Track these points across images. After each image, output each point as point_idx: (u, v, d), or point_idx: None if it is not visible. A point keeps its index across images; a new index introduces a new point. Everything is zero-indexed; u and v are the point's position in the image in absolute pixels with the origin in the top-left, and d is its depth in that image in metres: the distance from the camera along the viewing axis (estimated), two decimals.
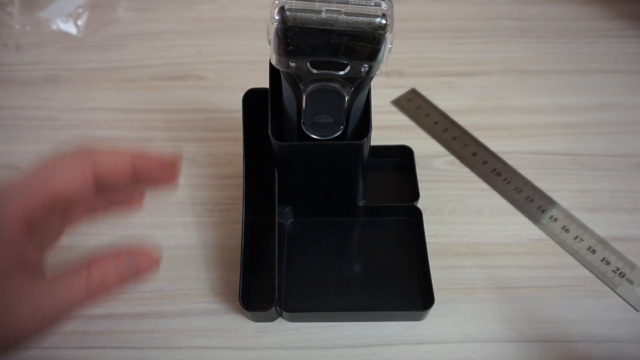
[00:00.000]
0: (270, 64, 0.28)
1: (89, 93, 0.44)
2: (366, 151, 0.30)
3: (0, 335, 0.21)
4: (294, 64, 0.23)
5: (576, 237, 0.36)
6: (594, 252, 0.35)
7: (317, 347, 0.32)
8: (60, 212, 0.24)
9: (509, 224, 0.36)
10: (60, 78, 0.45)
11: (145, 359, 0.31)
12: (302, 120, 0.27)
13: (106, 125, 0.42)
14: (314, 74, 0.24)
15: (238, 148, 0.36)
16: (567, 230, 0.36)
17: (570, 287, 0.33)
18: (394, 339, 0.32)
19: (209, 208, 0.38)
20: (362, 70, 0.24)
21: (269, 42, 0.23)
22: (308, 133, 0.27)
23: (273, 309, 0.31)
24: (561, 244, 0.36)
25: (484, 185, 0.39)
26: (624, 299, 0.33)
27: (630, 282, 0.34)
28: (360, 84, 0.25)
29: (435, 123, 0.42)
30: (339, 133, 0.27)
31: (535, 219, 0.37)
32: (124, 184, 0.23)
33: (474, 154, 0.40)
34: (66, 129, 0.42)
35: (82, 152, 0.23)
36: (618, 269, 0.34)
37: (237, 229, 0.36)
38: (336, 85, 0.24)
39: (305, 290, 0.33)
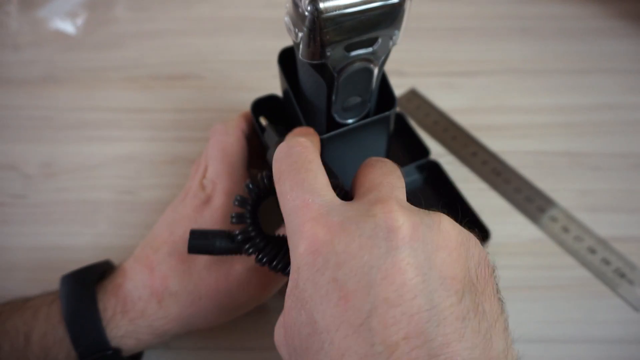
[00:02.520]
0: (280, 61, 0.29)
1: (87, 92, 0.44)
2: (392, 119, 0.30)
3: (249, 298, 0.26)
4: (329, 53, 0.23)
5: (576, 237, 0.36)
6: (593, 252, 0.35)
7: None
8: None
9: (509, 224, 0.36)
10: (59, 77, 0.45)
11: (145, 359, 0.31)
12: (333, 108, 0.27)
13: (105, 124, 0.42)
14: (349, 57, 0.24)
15: None
16: (566, 231, 0.36)
17: (570, 287, 0.33)
18: None
19: None
20: (392, 39, 0.24)
21: (297, 40, 0.23)
22: (339, 119, 0.28)
23: None
24: (561, 244, 0.36)
25: (483, 185, 0.38)
26: (624, 299, 0.33)
27: (630, 282, 0.34)
28: (386, 55, 0.25)
29: (435, 123, 0.42)
30: (366, 112, 0.28)
31: (534, 219, 0.37)
32: None
33: (474, 154, 0.40)
34: (64, 129, 0.42)
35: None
36: (618, 269, 0.34)
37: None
38: (367, 64, 0.25)
39: None
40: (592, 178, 0.39)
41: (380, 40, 0.24)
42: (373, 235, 0.17)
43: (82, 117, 0.43)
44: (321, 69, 0.24)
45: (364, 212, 0.18)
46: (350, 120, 0.28)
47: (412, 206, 0.19)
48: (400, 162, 0.37)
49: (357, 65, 0.24)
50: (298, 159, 0.20)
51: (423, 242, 0.17)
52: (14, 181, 0.39)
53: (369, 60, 0.24)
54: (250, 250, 0.24)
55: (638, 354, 0.31)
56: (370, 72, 0.25)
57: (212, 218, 0.28)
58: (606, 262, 0.34)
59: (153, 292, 0.26)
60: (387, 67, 0.45)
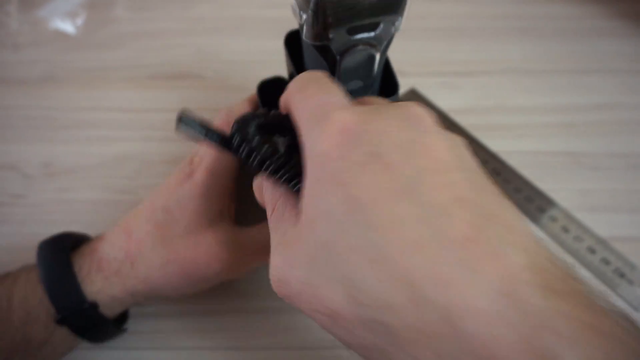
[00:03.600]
0: (286, 43, 0.30)
1: (87, 92, 0.44)
2: None
3: (214, 271, 0.27)
4: (332, 35, 0.23)
5: (576, 237, 0.36)
6: (593, 252, 0.35)
7: (317, 347, 0.31)
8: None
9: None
10: (58, 77, 0.45)
11: (145, 359, 0.31)
12: None
13: (105, 124, 0.42)
14: (352, 40, 0.24)
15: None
16: (566, 231, 0.36)
17: None
18: None
19: None
20: (395, 25, 0.24)
21: (301, 22, 0.23)
22: None
23: None
24: (561, 244, 0.36)
25: None
26: (623, 299, 0.33)
27: (630, 282, 0.34)
28: (389, 41, 0.26)
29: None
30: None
31: (534, 219, 0.37)
32: None
33: (474, 154, 0.40)
34: (64, 129, 0.42)
35: (231, 114, 0.31)
36: (618, 269, 0.34)
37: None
38: (369, 48, 0.25)
39: None
40: (592, 178, 0.39)
41: (382, 25, 0.24)
42: (405, 118, 0.17)
43: (82, 117, 0.43)
44: (324, 51, 0.25)
45: (387, 105, 0.18)
46: None
47: None
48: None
49: (360, 49, 0.25)
50: (319, 77, 0.20)
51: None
52: (14, 181, 0.39)
53: (372, 45, 0.25)
54: (243, 150, 0.20)
55: None
56: (372, 56, 0.26)
57: (190, 192, 0.28)
58: (606, 262, 0.34)
59: (127, 255, 0.27)
60: None
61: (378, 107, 0.18)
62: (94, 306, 0.27)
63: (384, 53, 0.27)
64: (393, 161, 0.16)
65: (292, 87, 0.21)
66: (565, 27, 0.48)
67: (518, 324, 0.13)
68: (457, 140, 0.18)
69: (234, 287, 0.34)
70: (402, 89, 0.44)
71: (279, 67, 0.32)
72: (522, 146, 0.41)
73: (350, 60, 0.25)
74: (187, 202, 0.28)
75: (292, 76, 0.30)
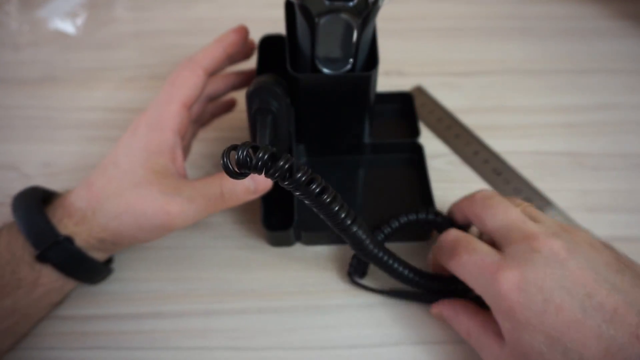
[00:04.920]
0: (286, 5, 0.31)
1: (87, 92, 0.44)
2: (373, 84, 0.32)
3: (162, 222, 0.29)
4: None
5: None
6: None
7: (317, 347, 0.32)
8: (189, 122, 0.32)
9: None
10: (58, 77, 0.45)
11: (145, 359, 0.31)
12: (315, 54, 0.29)
13: (104, 124, 0.42)
14: (327, 5, 0.26)
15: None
16: None
17: None
18: (393, 339, 0.32)
19: None
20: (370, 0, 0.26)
21: None
22: (320, 67, 0.29)
23: (292, 230, 0.33)
24: None
25: (483, 185, 0.38)
26: None
27: None
28: (367, 15, 0.27)
29: (439, 120, 0.42)
30: (349, 67, 0.29)
31: None
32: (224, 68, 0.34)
33: (475, 153, 0.40)
34: (64, 128, 0.42)
35: (189, 63, 0.32)
36: None
37: (237, 229, 0.36)
38: (347, 16, 0.26)
39: (320, 222, 0.34)
40: (592, 178, 0.39)
41: None
42: (545, 263, 0.24)
43: (82, 117, 0.43)
44: (305, 11, 0.27)
45: (526, 252, 0.25)
46: (329, 71, 0.30)
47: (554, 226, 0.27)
48: (392, 136, 0.39)
49: (335, 15, 0.26)
50: (461, 238, 0.28)
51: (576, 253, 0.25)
52: (14, 181, 0.39)
53: (349, 14, 0.26)
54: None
55: None
56: (349, 25, 0.27)
57: (133, 146, 0.30)
58: None
59: (89, 205, 0.30)
60: (387, 67, 0.45)
61: (526, 258, 0.24)
62: (69, 240, 0.29)
63: (366, 25, 0.27)
64: (561, 301, 0.23)
65: (444, 254, 0.29)
66: (565, 27, 0.48)
67: None
68: (590, 251, 0.25)
69: (234, 287, 0.34)
70: (406, 88, 0.44)
71: None
72: (522, 146, 0.41)
73: (328, 26, 0.27)
74: (132, 156, 0.30)
75: (289, 40, 0.32)
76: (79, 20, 0.49)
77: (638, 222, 0.37)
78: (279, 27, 0.33)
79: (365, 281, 0.34)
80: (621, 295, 0.23)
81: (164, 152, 0.30)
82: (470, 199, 0.30)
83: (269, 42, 0.35)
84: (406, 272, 0.30)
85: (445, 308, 0.30)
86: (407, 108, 0.40)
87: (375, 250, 0.28)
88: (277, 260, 0.35)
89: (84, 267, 0.31)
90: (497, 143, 0.40)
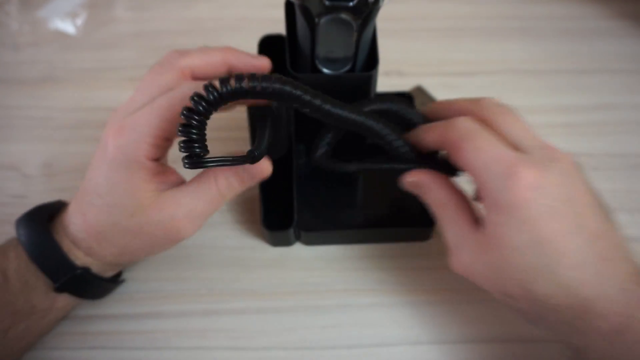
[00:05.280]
0: (286, 5, 0.31)
1: (87, 92, 0.44)
2: (373, 85, 0.31)
3: (174, 238, 0.29)
4: None
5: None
6: None
7: (317, 347, 0.32)
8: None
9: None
10: (58, 77, 0.45)
11: (145, 359, 0.31)
12: (315, 54, 0.29)
13: (105, 125, 0.42)
14: (327, 5, 0.26)
15: (238, 148, 0.36)
16: None
17: None
18: (393, 339, 0.32)
19: None
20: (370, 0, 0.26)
21: None
22: (321, 67, 0.29)
23: (292, 230, 0.33)
24: None
25: None
26: None
27: None
28: (367, 15, 0.27)
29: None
30: (349, 67, 0.29)
31: None
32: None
33: None
34: (64, 129, 0.42)
35: (172, 60, 0.29)
36: None
37: (237, 229, 0.36)
38: (347, 17, 0.26)
39: (319, 215, 0.35)
40: (592, 178, 0.39)
41: None
42: (562, 173, 0.25)
43: (82, 117, 0.43)
44: (305, 12, 0.27)
45: (545, 157, 0.25)
46: (329, 71, 0.30)
47: None
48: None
49: (335, 15, 0.26)
50: (478, 126, 0.26)
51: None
52: (14, 181, 0.39)
53: (349, 14, 0.26)
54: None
55: None
56: (349, 25, 0.27)
57: (111, 177, 0.27)
58: None
59: (89, 236, 0.28)
60: (387, 67, 0.45)
61: (546, 163, 0.25)
62: (87, 270, 0.29)
63: (366, 25, 0.27)
64: (561, 211, 0.24)
65: (452, 135, 0.27)
66: (565, 27, 0.48)
67: (623, 300, 0.24)
68: (587, 182, 0.26)
69: (234, 287, 0.34)
70: (406, 88, 0.44)
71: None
72: None
73: (328, 27, 0.27)
74: (115, 188, 0.27)
75: (289, 40, 0.32)
76: (79, 20, 0.49)
77: (638, 222, 0.37)
78: (279, 27, 0.33)
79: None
80: (601, 223, 0.25)
81: (149, 181, 0.27)
82: (448, 125, 0.27)
83: (269, 42, 0.35)
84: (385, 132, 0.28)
85: (425, 175, 0.29)
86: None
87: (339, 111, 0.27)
88: (277, 260, 0.35)
89: (100, 289, 0.31)
90: None
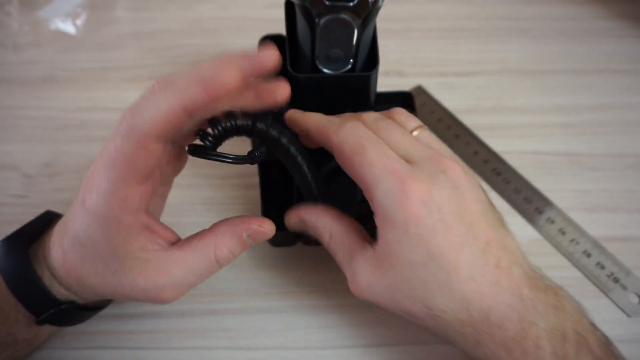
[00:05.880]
0: (286, 5, 0.31)
1: (87, 93, 0.44)
2: (374, 84, 0.32)
3: (150, 301, 0.26)
4: None
5: (572, 240, 0.36)
6: (589, 255, 0.35)
7: (317, 347, 0.32)
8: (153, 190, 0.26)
9: (507, 224, 0.37)
10: (59, 78, 0.45)
11: (145, 359, 0.31)
12: (316, 54, 0.29)
13: (105, 125, 0.42)
14: (327, 5, 0.26)
15: (238, 148, 0.36)
16: (563, 233, 0.36)
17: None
18: (394, 339, 0.32)
19: (209, 208, 0.38)
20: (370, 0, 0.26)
21: None
22: (321, 67, 0.29)
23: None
24: (557, 246, 0.36)
25: (483, 185, 0.39)
26: (616, 304, 0.33)
27: (624, 287, 0.34)
28: (367, 15, 0.27)
29: (439, 120, 0.42)
30: (349, 67, 0.30)
31: (532, 221, 0.37)
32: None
33: (475, 153, 0.40)
34: (65, 129, 0.42)
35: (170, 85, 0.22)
36: (612, 274, 0.34)
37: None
38: (347, 17, 0.26)
39: None
40: (591, 178, 0.39)
41: None
42: (452, 186, 0.25)
43: (82, 117, 0.43)
44: (305, 12, 0.27)
45: (433, 169, 0.25)
46: (329, 71, 0.30)
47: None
48: None
49: (335, 15, 0.26)
50: (370, 135, 0.26)
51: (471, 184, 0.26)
52: (14, 181, 0.39)
53: (349, 14, 0.26)
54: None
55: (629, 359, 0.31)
56: (350, 25, 0.27)
57: (90, 229, 0.25)
58: (601, 266, 0.34)
59: (70, 277, 0.26)
60: (387, 67, 0.45)
61: (435, 175, 0.25)
62: (70, 303, 0.27)
63: (366, 25, 0.27)
64: (452, 224, 0.24)
65: (344, 146, 0.26)
66: (565, 27, 0.48)
67: (518, 306, 0.24)
68: (476, 187, 0.26)
69: (234, 287, 0.34)
70: (406, 88, 0.44)
71: None
72: (521, 146, 0.41)
73: (329, 26, 0.27)
74: (96, 242, 0.25)
75: (289, 40, 0.32)
76: (80, 21, 0.49)
77: (636, 222, 0.37)
78: (279, 27, 0.33)
79: None
80: (492, 230, 0.25)
81: (134, 239, 0.25)
82: (339, 132, 0.26)
83: (269, 42, 0.35)
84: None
85: (304, 211, 0.28)
86: (407, 108, 0.40)
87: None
88: (277, 260, 0.35)
89: (83, 317, 0.29)
90: (497, 143, 0.41)
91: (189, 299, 0.33)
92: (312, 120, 0.28)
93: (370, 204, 0.25)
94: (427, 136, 0.28)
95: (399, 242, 0.24)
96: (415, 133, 0.28)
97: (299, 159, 0.27)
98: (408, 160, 0.25)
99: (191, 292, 0.33)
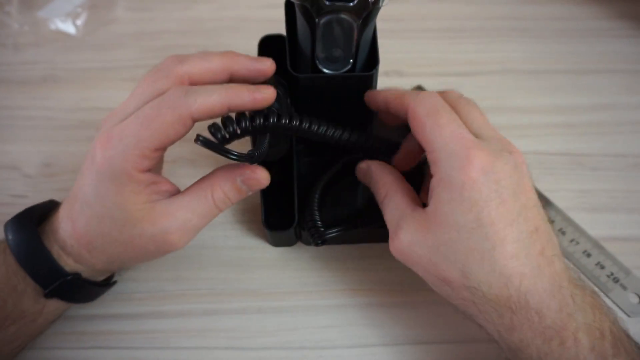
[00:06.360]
0: (286, 5, 0.31)
1: (87, 93, 0.44)
2: (374, 85, 0.32)
3: (166, 250, 0.28)
4: None
5: (572, 240, 0.36)
6: (589, 255, 0.35)
7: (317, 347, 0.32)
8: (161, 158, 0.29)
9: None
10: (59, 78, 0.45)
11: (144, 359, 0.31)
12: (316, 54, 0.29)
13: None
14: (327, 5, 0.26)
15: (237, 148, 0.36)
16: (563, 233, 0.36)
17: None
18: (394, 339, 0.32)
19: None
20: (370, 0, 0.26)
21: None
22: (321, 67, 0.30)
23: (293, 229, 0.33)
24: None
25: None
26: (616, 304, 0.33)
27: (624, 287, 0.34)
28: (367, 15, 0.27)
29: None
30: (349, 67, 0.30)
31: None
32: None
33: None
34: (65, 129, 0.42)
35: (180, 107, 0.25)
36: (612, 274, 0.34)
37: (237, 228, 0.37)
38: (347, 17, 0.27)
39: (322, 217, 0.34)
40: (591, 178, 0.39)
41: None
42: (515, 165, 0.26)
43: (82, 117, 0.43)
44: (304, 10, 0.27)
45: (500, 148, 0.26)
46: (329, 71, 0.30)
47: None
48: (393, 136, 0.37)
49: (335, 16, 0.27)
50: (445, 104, 0.27)
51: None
52: (15, 181, 0.39)
53: (349, 14, 0.27)
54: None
55: None
56: (350, 25, 0.27)
57: (99, 187, 0.26)
58: (601, 266, 0.34)
59: (79, 244, 0.28)
60: (387, 67, 0.45)
61: (501, 152, 0.26)
62: (77, 276, 0.28)
63: (366, 25, 0.27)
64: (507, 199, 0.25)
65: (419, 109, 0.27)
66: (565, 27, 0.48)
67: (558, 295, 0.24)
68: (532, 182, 0.27)
69: (234, 287, 0.34)
70: (406, 88, 0.44)
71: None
72: (522, 146, 0.40)
73: (329, 26, 0.27)
74: (104, 200, 0.26)
75: (289, 40, 0.32)
76: (80, 21, 0.49)
77: (636, 222, 0.37)
78: (279, 27, 0.33)
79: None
80: (542, 220, 0.26)
81: (140, 192, 0.27)
82: (416, 98, 0.27)
83: (269, 42, 0.35)
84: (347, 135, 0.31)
85: (374, 164, 0.31)
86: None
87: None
88: (277, 260, 0.35)
89: (91, 293, 0.31)
90: None
91: (189, 299, 0.33)
92: (389, 92, 0.29)
93: (431, 166, 0.26)
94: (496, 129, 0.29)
95: (451, 203, 0.25)
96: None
97: (324, 129, 0.29)
98: (478, 136, 0.26)
99: (191, 292, 0.34)
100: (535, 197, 0.26)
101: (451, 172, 0.25)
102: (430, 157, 0.26)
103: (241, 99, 0.26)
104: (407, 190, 0.29)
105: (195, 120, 0.26)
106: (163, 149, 0.27)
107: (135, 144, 0.25)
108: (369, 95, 0.31)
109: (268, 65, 0.28)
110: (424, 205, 0.27)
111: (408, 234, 0.26)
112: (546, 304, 0.24)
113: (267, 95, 0.27)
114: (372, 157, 0.32)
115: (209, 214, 0.28)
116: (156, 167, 0.28)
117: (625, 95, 0.44)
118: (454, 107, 0.28)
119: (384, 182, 0.29)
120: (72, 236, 0.28)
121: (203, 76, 0.27)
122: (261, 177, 0.28)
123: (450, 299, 0.26)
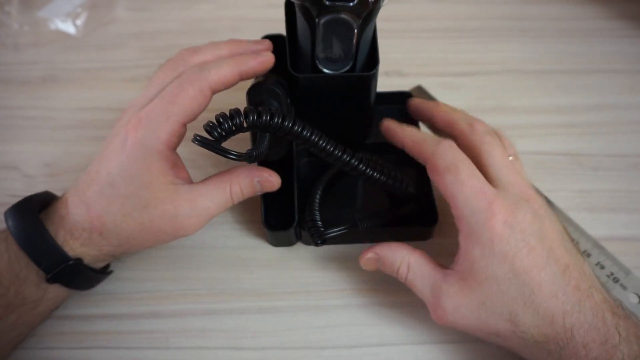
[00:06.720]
0: (286, 5, 0.31)
1: (87, 93, 0.44)
2: (374, 84, 0.32)
3: (181, 234, 0.29)
4: None
5: (572, 240, 0.35)
6: (589, 255, 0.35)
7: (317, 347, 0.32)
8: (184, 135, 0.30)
9: None
10: (59, 78, 0.45)
11: (144, 359, 0.31)
12: (316, 54, 0.29)
13: (105, 125, 0.42)
14: (327, 5, 0.26)
15: (237, 148, 0.36)
16: None
17: None
18: (394, 339, 0.32)
19: None
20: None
21: None
22: (321, 67, 0.30)
23: (293, 229, 0.33)
24: None
25: None
26: None
27: (624, 287, 0.33)
28: (368, 15, 0.27)
29: None
30: (349, 67, 0.30)
31: None
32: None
33: None
34: (64, 129, 0.42)
35: (199, 81, 0.28)
36: (612, 274, 0.34)
37: (237, 229, 0.37)
38: (347, 16, 0.27)
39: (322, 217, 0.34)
40: (591, 178, 0.39)
41: None
42: (533, 211, 0.27)
43: (82, 117, 0.43)
44: (304, 10, 0.27)
45: (519, 197, 0.27)
46: (329, 71, 0.30)
47: None
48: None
49: (335, 15, 0.27)
50: (463, 157, 0.28)
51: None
52: (15, 181, 0.39)
53: (349, 14, 0.27)
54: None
55: None
56: (350, 25, 0.27)
57: (127, 166, 0.28)
58: (601, 266, 0.34)
59: (93, 227, 0.29)
60: (387, 67, 0.45)
61: (520, 203, 0.27)
62: (79, 261, 0.29)
63: (366, 25, 0.27)
64: (535, 245, 0.26)
65: (439, 162, 0.28)
66: (564, 28, 0.48)
67: (602, 328, 0.25)
68: (555, 220, 0.28)
69: (234, 287, 0.34)
70: (406, 88, 0.44)
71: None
72: (521, 146, 0.40)
73: (329, 26, 0.27)
74: (131, 179, 0.28)
75: (289, 40, 0.32)
76: (80, 21, 0.49)
77: (636, 222, 0.37)
78: (279, 27, 0.33)
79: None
80: (571, 257, 0.27)
81: (166, 173, 0.28)
82: (436, 150, 0.29)
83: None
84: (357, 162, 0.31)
85: (379, 248, 0.30)
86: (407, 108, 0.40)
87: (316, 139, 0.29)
88: (277, 260, 0.35)
89: (91, 280, 0.31)
90: None
91: (189, 299, 0.33)
92: (409, 134, 0.31)
93: (456, 221, 0.28)
94: (519, 165, 0.31)
95: (484, 258, 0.26)
96: (510, 158, 0.30)
97: (315, 138, 0.29)
98: (496, 185, 0.28)
99: (191, 292, 0.34)
100: (559, 235, 0.27)
101: (478, 229, 0.26)
102: (454, 212, 0.28)
103: (248, 64, 0.29)
104: (424, 256, 0.29)
105: (213, 92, 0.29)
106: (187, 123, 0.28)
107: (165, 119, 0.27)
108: (388, 128, 0.32)
109: (267, 44, 0.31)
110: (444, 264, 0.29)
111: (450, 300, 0.27)
112: (591, 337, 0.25)
113: (269, 57, 0.30)
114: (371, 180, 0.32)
115: (223, 205, 0.30)
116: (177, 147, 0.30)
117: (625, 95, 0.44)
118: (476, 150, 0.29)
119: (400, 256, 0.29)
120: (86, 219, 0.28)
121: (222, 86, 0.29)
122: (275, 181, 0.31)
123: (501, 346, 0.28)
